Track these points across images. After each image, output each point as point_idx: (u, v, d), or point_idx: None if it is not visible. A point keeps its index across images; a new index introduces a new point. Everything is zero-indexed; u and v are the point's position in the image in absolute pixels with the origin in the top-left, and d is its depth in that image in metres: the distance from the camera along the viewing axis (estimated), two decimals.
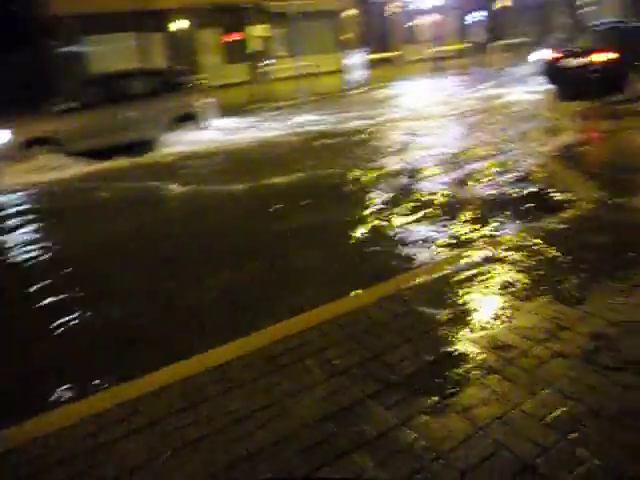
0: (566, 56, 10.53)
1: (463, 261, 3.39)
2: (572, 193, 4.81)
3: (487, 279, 3.11)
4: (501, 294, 2.93)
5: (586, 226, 3.88)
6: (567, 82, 10.48)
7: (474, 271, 3.21)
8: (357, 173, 6.61)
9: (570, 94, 10.22)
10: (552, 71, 10.83)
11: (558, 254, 3.36)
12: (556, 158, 6.33)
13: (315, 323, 2.80)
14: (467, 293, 2.96)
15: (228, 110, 12.16)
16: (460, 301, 2.88)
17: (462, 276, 3.16)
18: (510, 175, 5.77)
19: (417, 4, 24.57)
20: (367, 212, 5.08)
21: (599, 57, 9.81)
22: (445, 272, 3.25)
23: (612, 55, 9.73)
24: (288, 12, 19.58)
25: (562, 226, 3.90)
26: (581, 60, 10.09)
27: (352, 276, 3.67)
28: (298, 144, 9.28)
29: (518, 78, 14.51)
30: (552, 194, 4.94)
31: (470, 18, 26.65)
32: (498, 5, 26.72)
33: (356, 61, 16.52)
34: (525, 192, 5.13)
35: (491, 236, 4.08)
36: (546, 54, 11.50)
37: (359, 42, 22.71)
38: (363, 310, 2.90)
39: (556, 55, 10.87)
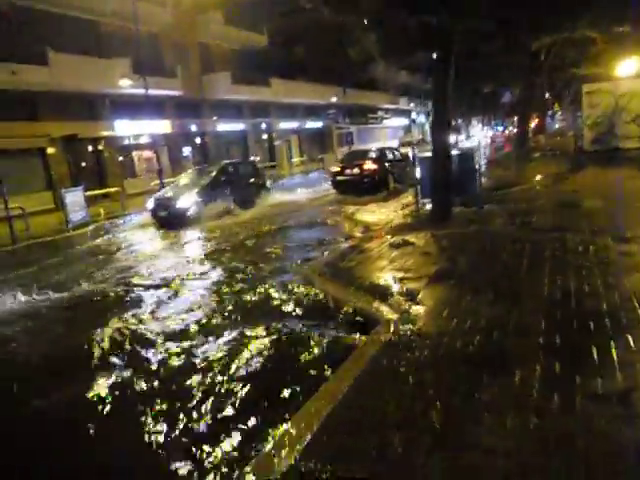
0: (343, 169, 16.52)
1: None
2: None
3: None
4: None
5: None
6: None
7: None
8: None
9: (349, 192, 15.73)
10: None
11: None
12: None
13: None
14: None
15: None
16: None
17: None
18: None
19: (131, 140, 24.59)
20: None
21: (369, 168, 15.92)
22: None
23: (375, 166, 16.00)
24: None
25: None
26: (355, 171, 16.03)
27: None
28: None
29: None
30: None
31: (184, 152, 28.15)
32: (199, 141, 29.09)
33: (73, 199, 15.00)
34: None
35: None
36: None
37: (74, 179, 21.20)
38: None
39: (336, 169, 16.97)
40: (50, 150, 20.63)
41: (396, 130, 54.89)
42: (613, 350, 3.58)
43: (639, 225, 6.90)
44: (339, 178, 16.44)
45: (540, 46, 21.07)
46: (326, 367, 4.21)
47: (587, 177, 12.94)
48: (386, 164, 16.47)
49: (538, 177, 13.74)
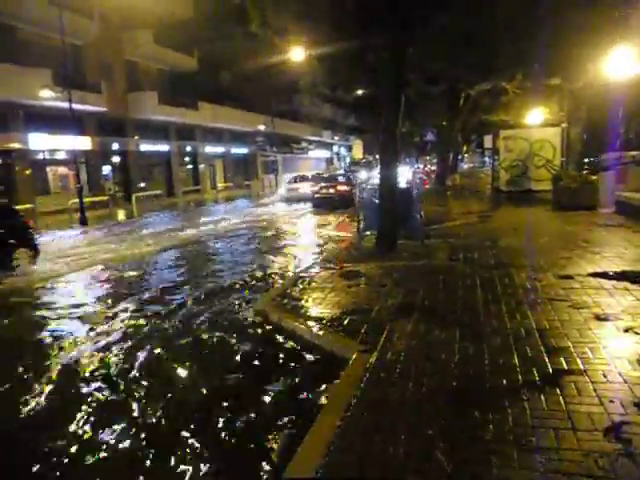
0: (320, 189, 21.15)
1: None
2: None
3: None
4: None
5: None
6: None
7: None
8: None
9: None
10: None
11: None
12: None
13: None
14: None
15: None
16: None
17: None
18: None
19: (46, 154, 22.97)
20: None
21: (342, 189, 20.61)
22: None
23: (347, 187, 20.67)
24: None
25: None
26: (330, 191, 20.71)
27: None
28: None
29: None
30: None
31: (104, 171, 26.77)
32: (119, 160, 27.87)
33: None
34: None
35: None
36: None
37: None
38: None
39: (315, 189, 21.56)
40: None
41: (319, 161, 55.94)
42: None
43: (574, 263, 7.41)
44: (317, 196, 21.08)
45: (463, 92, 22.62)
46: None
47: (507, 215, 13.94)
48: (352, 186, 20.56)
49: (464, 213, 14.53)
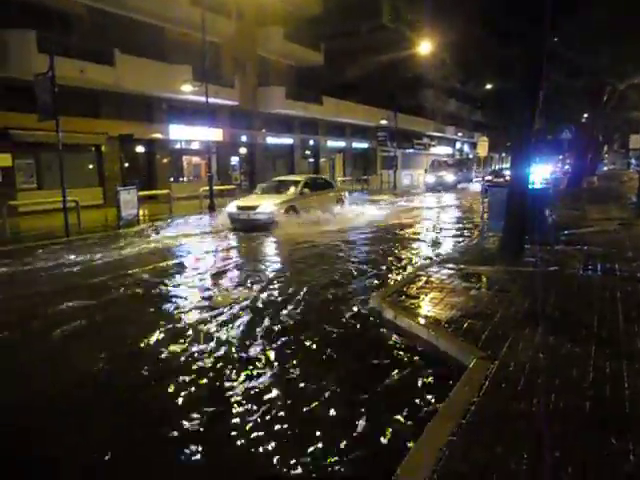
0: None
1: None
2: None
3: None
4: None
5: None
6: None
7: None
8: None
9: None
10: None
11: None
12: None
13: None
14: None
15: None
16: None
17: None
18: None
19: (182, 144, 24.99)
20: None
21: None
22: None
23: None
24: (36, 141, 17.44)
25: None
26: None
27: None
28: None
29: None
30: None
31: (232, 161, 28.46)
32: (246, 152, 29.33)
33: (127, 197, 15.16)
34: None
35: None
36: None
37: (124, 178, 21.60)
38: None
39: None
40: (105, 148, 21.08)
41: (440, 158, 54.45)
42: None
43: None
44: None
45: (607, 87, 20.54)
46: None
47: None
48: None
49: (602, 219, 13.16)
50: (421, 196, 28.11)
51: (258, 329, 5.70)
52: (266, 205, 14.36)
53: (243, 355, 5.00)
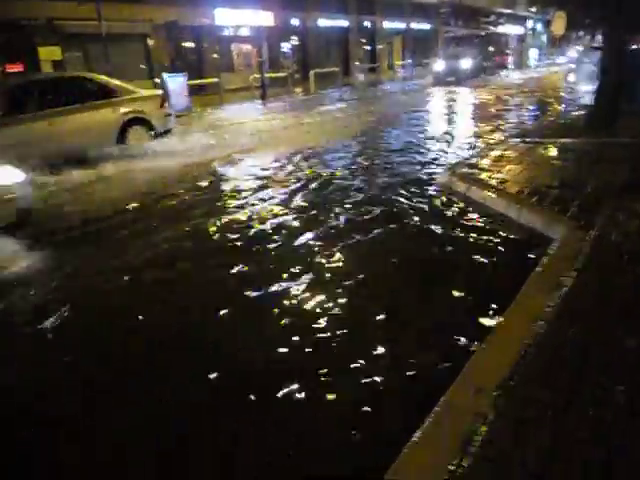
0: None
1: None
2: None
3: None
4: None
5: None
6: None
7: None
8: None
9: None
10: None
11: None
12: None
13: None
14: None
15: None
16: None
17: None
18: None
19: (230, 31, 23.61)
20: None
21: None
22: None
23: None
24: (82, 32, 16.83)
25: None
26: None
27: None
28: None
29: None
30: None
31: (283, 48, 26.87)
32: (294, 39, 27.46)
33: (175, 85, 14.58)
34: None
35: None
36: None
37: (172, 68, 20.85)
38: None
39: None
40: (152, 37, 20.21)
41: (510, 40, 49.32)
42: None
43: None
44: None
45: None
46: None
47: None
48: None
49: None
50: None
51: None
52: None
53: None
